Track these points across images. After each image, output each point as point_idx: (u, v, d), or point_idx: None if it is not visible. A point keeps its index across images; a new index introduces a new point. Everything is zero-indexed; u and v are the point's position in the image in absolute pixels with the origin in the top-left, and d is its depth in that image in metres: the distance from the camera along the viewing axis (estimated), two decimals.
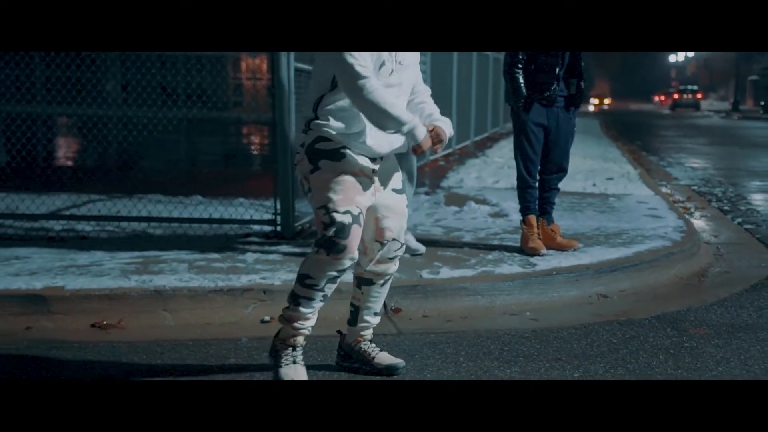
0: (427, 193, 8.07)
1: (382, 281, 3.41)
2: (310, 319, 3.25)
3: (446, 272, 4.70)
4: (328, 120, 3.07)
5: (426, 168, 10.43)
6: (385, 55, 3.04)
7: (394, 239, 3.32)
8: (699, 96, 58.49)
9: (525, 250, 5.25)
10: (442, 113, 3.35)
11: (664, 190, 9.68)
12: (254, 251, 5.15)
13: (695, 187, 10.57)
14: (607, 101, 75.72)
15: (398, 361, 3.49)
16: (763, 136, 24.07)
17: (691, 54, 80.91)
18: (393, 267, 3.41)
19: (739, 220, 7.77)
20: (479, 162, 11.38)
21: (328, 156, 3.09)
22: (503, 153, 13.29)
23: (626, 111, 53.78)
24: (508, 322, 4.31)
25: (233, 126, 9.18)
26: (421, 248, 5.14)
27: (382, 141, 3.13)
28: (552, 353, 3.80)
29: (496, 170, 10.32)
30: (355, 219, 3.07)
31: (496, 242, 5.64)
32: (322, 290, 3.16)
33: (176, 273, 4.57)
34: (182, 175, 6.45)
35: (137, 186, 6.84)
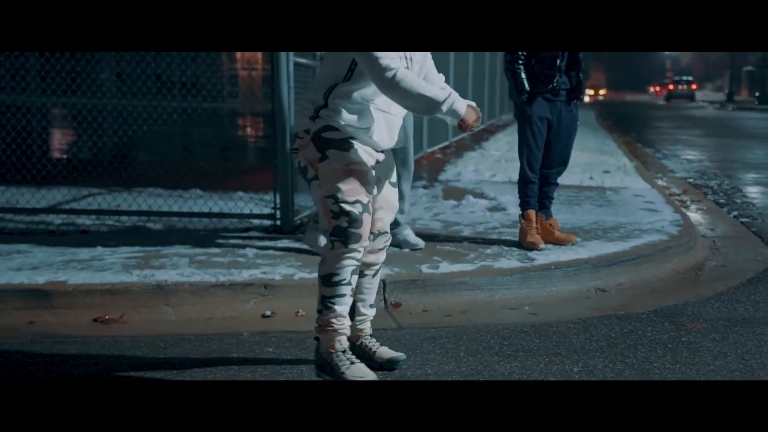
0: (425, 187, 8.10)
1: (372, 272, 3.46)
2: (347, 317, 3.24)
3: (445, 267, 4.74)
4: (339, 111, 3.09)
5: (423, 161, 10.46)
6: (398, 54, 3.06)
7: (384, 231, 3.38)
8: (694, 87, 58.66)
9: (523, 245, 5.29)
10: None
11: (660, 182, 9.73)
12: (254, 246, 5.18)
13: (691, 180, 10.62)
14: (602, 92, 75.78)
15: (399, 355, 3.53)
16: (757, 127, 24.15)
17: None
18: (382, 257, 3.46)
19: (735, 213, 7.82)
20: (476, 155, 11.41)
21: (337, 146, 3.11)
22: (500, 146, 13.32)
23: (621, 102, 53.86)
24: (508, 317, 4.35)
25: (231, 117, 9.16)
26: (421, 243, 5.17)
27: (385, 136, 3.18)
28: (551, 348, 3.84)
29: (493, 163, 10.34)
30: (365, 208, 3.12)
31: (494, 236, 5.67)
32: (349, 283, 3.18)
33: (177, 267, 4.59)
34: (180, 168, 6.44)
35: (136, 179, 6.85)
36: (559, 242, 5.36)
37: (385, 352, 3.52)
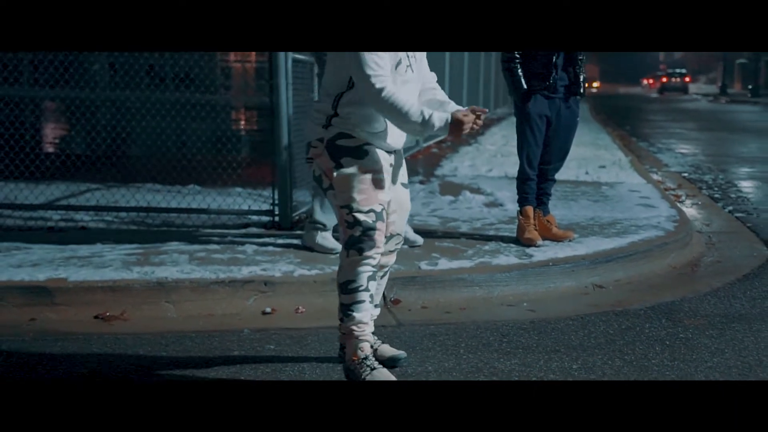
0: (421, 182, 8.12)
1: (382, 273, 3.48)
2: (368, 323, 3.26)
3: (444, 263, 4.77)
4: (351, 118, 3.11)
5: (419, 156, 10.48)
6: (401, 53, 3.09)
7: (397, 234, 3.39)
8: (687, 79, 58.72)
9: (521, 241, 5.31)
10: None
11: (655, 177, 9.77)
12: (253, 242, 5.19)
13: (685, 174, 10.66)
14: (595, 85, 75.81)
15: (400, 353, 3.56)
16: (751, 120, 24.23)
17: None
18: (393, 259, 3.49)
19: (730, 208, 7.86)
20: (472, 149, 11.43)
21: (351, 153, 3.12)
22: (495, 140, 13.34)
23: (615, 94, 53.93)
24: (506, 313, 4.38)
25: (228, 111, 9.13)
26: (419, 240, 5.20)
27: (397, 136, 3.22)
28: (551, 345, 3.87)
29: (489, 158, 10.37)
30: (379, 216, 3.14)
31: (492, 232, 5.70)
32: (367, 289, 3.20)
33: (177, 264, 4.61)
34: (178, 164, 6.44)
35: (133, 175, 6.86)
36: (557, 238, 5.38)
37: (386, 350, 3.54)
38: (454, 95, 13.47)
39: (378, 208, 3.14)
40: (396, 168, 3.33)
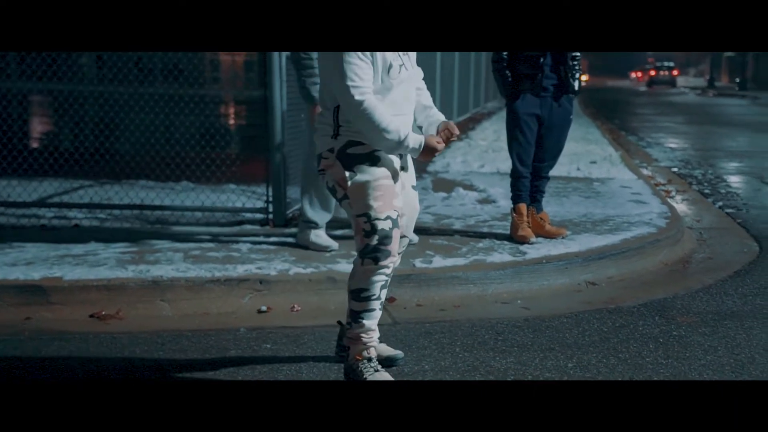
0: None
1: None
2: (375, 330, 3.28)
3: (438, 261, 4.79)
4: (354, 126, 3.10)
5: None
6: (390, 56, 3.08)
7: (403, 236, 3.40)
8: (675, 73, 58.78)
9: (515, 238, 5.34)
10: None
11: (645, 172, 9.81)
12: (248, 240, 5.20)
13: (675, 169, 10.71)
14: (584, 78, 75.90)
15: (397, 353, 3.57)
16: (738, 114, 24.33)
17: None
18: (398, 260, 3.48)
19: (720, 203, 7.91)
20: (464, 145, 11.44)
21: (363, 160, 3.12)
22: (486, 135, 13.36)
23: (603, 87, 53.96)
24: (501, 311, 4.41)
25: (219, 105, 9.08)
26: (415, 238, 5.19)
27: None
28: (545, 343, 3.89)
29: (481, 154, 10.38)
30: (395, 223, 3.13)
31: (485, 230, 5.72)
32: (379, 298, 3.20)
33: (172, 263, 4.61)
34: (171, 160, 6.42)
35: (126, 171, 6.84)
36: (550, 236, 5.42)
37: (383, 349, 3.55)
38: (445, 87, 13.51)
39: (393, 215, 3.13)
40: (406, 172, 3.34)
